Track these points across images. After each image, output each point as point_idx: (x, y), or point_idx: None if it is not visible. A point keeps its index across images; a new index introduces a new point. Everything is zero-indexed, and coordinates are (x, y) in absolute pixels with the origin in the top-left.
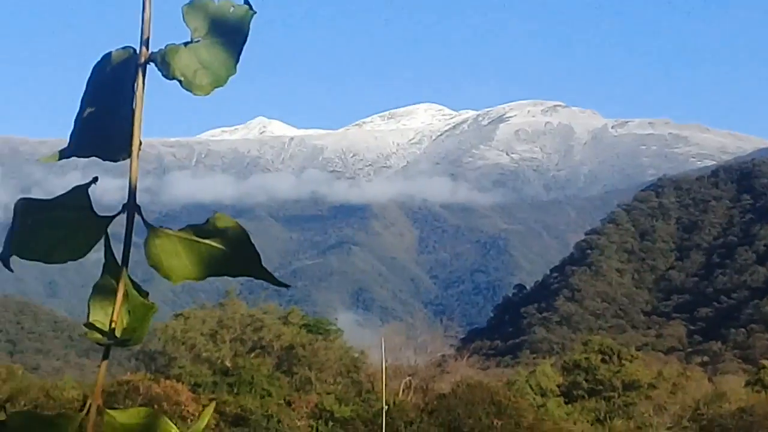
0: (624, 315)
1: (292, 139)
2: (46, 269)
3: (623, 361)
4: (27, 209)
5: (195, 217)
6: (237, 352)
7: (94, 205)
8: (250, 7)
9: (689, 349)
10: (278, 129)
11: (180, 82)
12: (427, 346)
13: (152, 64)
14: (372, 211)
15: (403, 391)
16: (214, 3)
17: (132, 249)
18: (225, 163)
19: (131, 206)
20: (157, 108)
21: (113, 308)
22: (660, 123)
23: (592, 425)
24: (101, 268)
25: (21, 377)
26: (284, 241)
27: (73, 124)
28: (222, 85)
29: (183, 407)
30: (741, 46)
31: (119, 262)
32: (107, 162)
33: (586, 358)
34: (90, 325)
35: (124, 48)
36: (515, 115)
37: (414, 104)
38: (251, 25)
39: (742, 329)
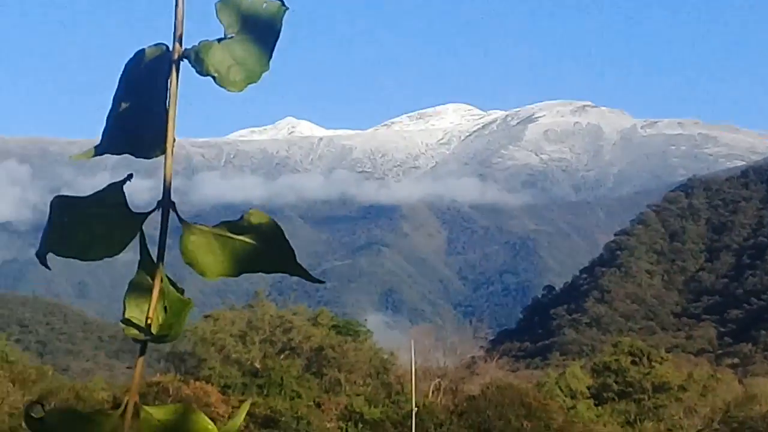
0: (654, 316)
1: (321, 139)
2: (76, 270)
3: (653, 363)
4: (63, 206)
5: (224, 218)
6: (266, 354)
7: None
8: (283, 3)
9: (719, 351)
10: (307, 129)
11: (214, 78)
12: (456, 347)
13: (186, 60)
14: (401, 211)
15: (433, 392)
16: None
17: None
18: (254, 163)
19: (166, 203)
20: (185, 108)
21: (149, 305)
22: (689, 123)
23: (622, 427)
24: (131, 269)
25: (51, 378)
26: (313, 242)
27: (105, 121)
28: (255, 81)
29: (213, 409)
30: None
31: (154, 258)
32: (137, 162)
33: (616, 360)
34: (126, 322)
35: (157, 45)
36: (544, 116)
37: (443, 104)
38: (283, 22)
39: None
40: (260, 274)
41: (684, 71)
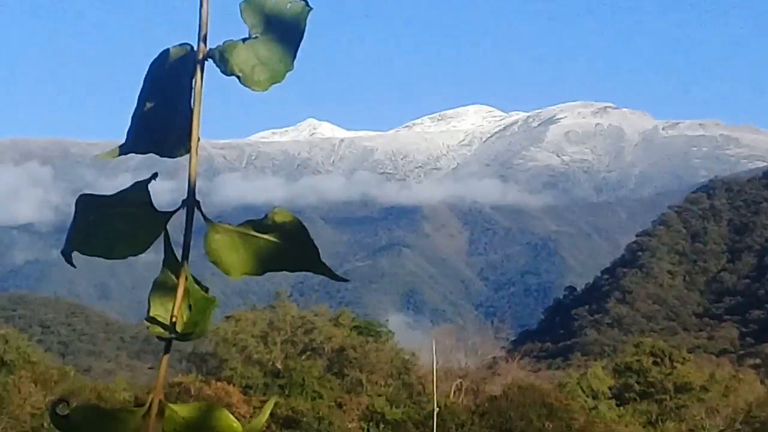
0: (675, 317)
1: (342, 140)
2: (97, 271)
3: (675, 364)
4: (88, 205)
5: (245, 220)
6: (288, 354)
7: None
8: (307, 4)
9: (741, 352)
10: (328, 131)
11: (238, 77)
12: (477, 348)
13: (210, 60)
14: (422, 212)
15: (454, 393)
16: None
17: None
18: (275, 165)
19: (191, 202)
20: (207, 110)
21: (174, 303)
22: (711, 124)
23: (644, 428)
24: (152, 270)
25: (73, 379)
26: (335, 243)
27: (130, 121)
28: (279, 81)
29: (234, 409)
30: None
31: (179, 257)
32: (158, 164)
33: (638, 361)
34: (151, 320)
35: (182, 44)
36: (565, 117)
37: (464, 106)
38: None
39: None
40: (282, 274)
41: (705, 72)
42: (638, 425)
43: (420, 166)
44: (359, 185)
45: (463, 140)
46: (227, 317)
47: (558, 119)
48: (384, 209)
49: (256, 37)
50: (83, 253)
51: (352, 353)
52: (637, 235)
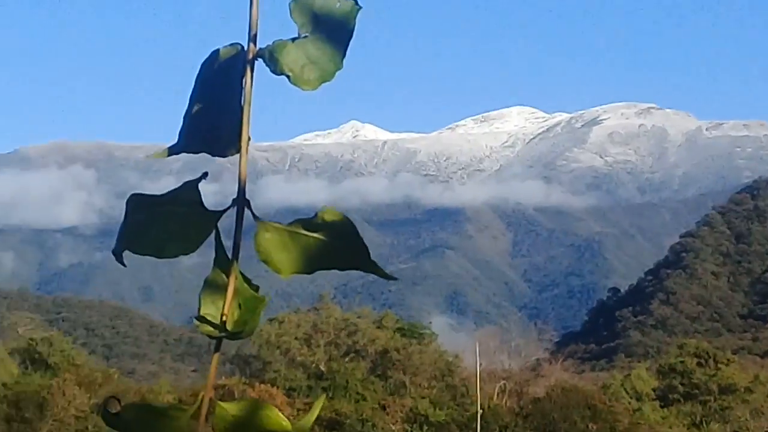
0: (719, 318)
1: (385, 143)
2: (141, 274)
3: (719, 365)
4: (139, 205)
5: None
6: (331, 357)
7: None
8: (356, 2)
9: None
10: (371, 133)
11: (288, 77)
12: (521, 349)
13: (260, 60)
14: (466, 214)
15: (498, 395)
16: None
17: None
18: (318, 167)
19: (241, 201)
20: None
21: (224, 302)
22: (755, 125)
23: (688, 429)
24: (196, 273)
25: (117, 381)
26: (378, 245)
27: (182, 120)
28: (329, 80)
29: None
30: None
31: (229, 255)
32: (201, 167)
33: (682, 362)
34: (201, 319)
35: (232, 44)
36: (608, 118)
37: (507, 107)
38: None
39: None
40: (325, 276)
41: (749, 73)
42: (682, 427)
43: (463, 168)
44: (402, 187)
45: (506, 142)
46: (271, 320)
47: (601, 120)
48: (427, 211)
49: (306, 37)
50: (134, 253)
51: (395, 355)
52: (680, 236)
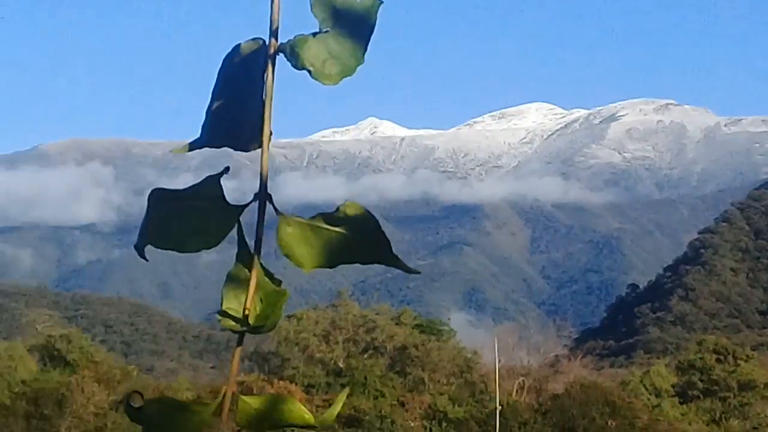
0: (738, 314)
1: (403, 139)
2: (159, 271)
3: (738, 361)
4: (161, 199)
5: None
6: (350, 353)
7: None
8: None
9: None
10: (389, 129)
11: (309, 72)
12: (540, 346)
13: (281, 54)
14: (484, 211)
15: (517, 391)
16: None
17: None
18: (336, 164)
19: (263, 195)
20: None
21: (246, 296)
22: None
23: (707, 426)
24: (214, 270)
25: (136, 378)
26: (396, 241)
27: (204, 115)
28: (350, 75)
29: None
30: None
31: (251, 250)
32: (219, 164)
33: (701, 358)
34: (224, 313)
35: (253, 39)
36: (627, 114)
37: (525, 104)
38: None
39: None
40: (343, 274)
41: None
42: (702, 423)
43: (481, 164)
44: (420, 184)
45: (525, 138)
46: (289, 316)
47: (619, 116)
48: (445, 208)
49: (327, 32)
50: (156, 247)
51: (414, 352)
52: (699, 233)
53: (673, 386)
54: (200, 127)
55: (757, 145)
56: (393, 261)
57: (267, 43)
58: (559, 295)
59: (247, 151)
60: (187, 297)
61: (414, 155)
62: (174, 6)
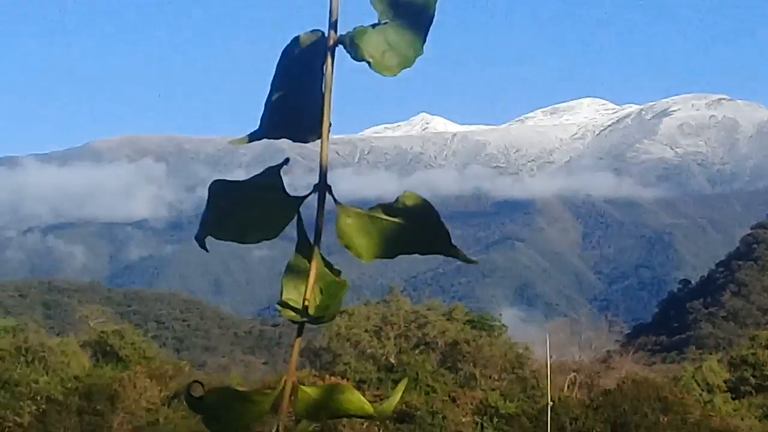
0: None
1: (454, 135)
2: (211, 267)
3: None
4: (222, 191)
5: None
6: (401, 349)
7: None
8: None
9: None
10: (441, 125)
11: (369, 63)
12: (591, 341)
13: (341, 46)
14: (535, 206)
15: (568, 387)
16: None
17: (288, 245)
18: (388, 159)
19: (322, 186)
20: None
21: (306, 286)
22: None
23: (759, 421)
24: (266, 266)
25: (188, 374)
26: None
27: (263, 107)
28: (409, 66)
29: None
30: None
31: (311, 240)
32: (270, 160)
33: (753, 354)
34: (284, 304)
35: (313, 31)
36: (679, 109)
37: (577, 99)
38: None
39: None
40: (395, 270)
41: None
42: (754, 419)
43: (533, 160)
44: (472, 179)
45: (576, 133)
46: (341, 312)
47: (671, 112)
48: (497, 203)
49: (386, 23)
50: (217, 238)
51: (465, 347)
52: (752, 228)
53: (725, 382)
54: (259, 119)
55: None
56: (452, 251)
57: (326, 35)
58: (610, 290)
59: (306, 142)
60: (239, 293)
61: (465, 151)
62: (228, 1)
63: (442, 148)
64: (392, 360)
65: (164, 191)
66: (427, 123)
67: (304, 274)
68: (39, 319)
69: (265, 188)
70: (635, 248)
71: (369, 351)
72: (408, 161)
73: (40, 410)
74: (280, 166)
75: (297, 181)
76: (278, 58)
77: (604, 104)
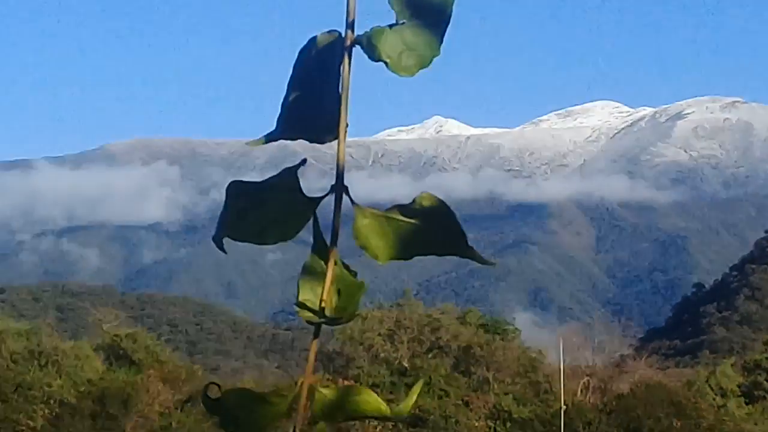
0: None
1: (468, 138)
2: (224, 270)
3: None
4: (238, 192)
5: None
6: (414, 353)
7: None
8: None
9: None
10: (454, 128)
11: (386, 63)
12: (605, 346)
13: (358, 46)
14: (549, 210)
15: (581, 391)
16: None
17: (301, 249)
18: (401, 162)
19: (339, 187)
20: None
21: (322, 288)
22: None
23: None
24: (279, 270)
25: (201, 378)
26: None
27: (280, 107)
28: (427, 66)
29: None
30: None
31: (327, 242)
32: (284, 163)
33: (767, 358)
34: (300, 305)
35: (329, 31)
36: (693, 112)
37: (591, 102)
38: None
39: None
40: (408, 273)
41: None
42: None
43: (546, 163)
44: (485, 183)
45: (590, 136)
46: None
47: (686, 114)
48: (510, 206)
49: (403, 23)
50: (234, 240)
51: (478, 351)
52: (766, 231)
53: (739, 386)
54: (275, 120)
55: None
56: (468, 252)
57: (343, 35)
58: (624, 294)
59: (322, 143)
60: (252, 296)
61: (479, 154)
62: (241, 3)
63: (456, 151)
64: (405, 364)
65: (178, 194)
66: (441, 126)
67: (320, 276)
68: (52, 322)
69: (283, 189)
70: (649, 252)
71: (382, 355)
72: (421, 164)
73: (54, 414)
74: (297, 166)
75: (311, 184)
76: (295, 59)
77: (618, 107)
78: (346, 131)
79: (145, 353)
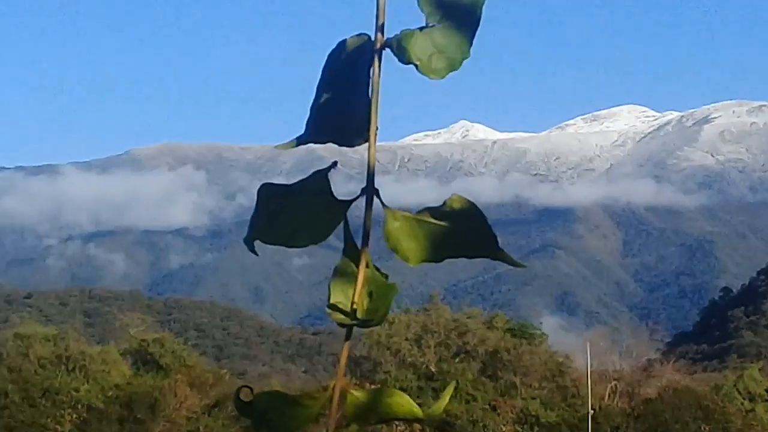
0: None
1: (494, 142)
2: (251, 275)
3: None
4: (269, 194)
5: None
6: (442, 357)
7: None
8: None
9: None
10: (481, 133)
11: (416, 66)
12: (632, 350)
13: (388, 49)
14: (576, 214)
15: (609, 395)
16: None
17: (328, 253)
18: (428, 167)
19: (370, 190)
20: None
21: (353, 290)
22: None
23: None
24: (305, 274)
25: (228, 382)
26: None
27: (309, 111)
28: (457, 68)
29: None
30: None
31: (359, 244)
32: (310, 169)
33: None
34: (332, 307)
35: (359, 35)
36: (720, 116)
37: (617, 106)
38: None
39: None
40: (435, 278)
41: None
42: None
43: (573, 168)
44: (512, 187)
45: (617, 141)
46: None
47: (712, 119)
48: (537, 211)
49: (433, 26)
50: (265, 242)
51: (505, 356)
52: None
53: (766, 390)
54: (304, 124)
55: None
56: (499, 255)
57: (373, 38)
58: (651, 298)
59: (352, 146)
60: (279, 301)
61: (506, 158)
62: (269, 7)
63: (482, 155)
64: (432, 368)
65: (204, 199)
66: (467, 130)
67: (351, 278)
68: (79, 327)
69: (313, 192)
70: (676, 256)
71: (409, 359)
72: (448, 169)
73: (81, 418)
74: (327, 169)
75: (338, 188)
76: (324, 63)
77: (644, 111)
78: (376, 134)
79: (172, 358)
